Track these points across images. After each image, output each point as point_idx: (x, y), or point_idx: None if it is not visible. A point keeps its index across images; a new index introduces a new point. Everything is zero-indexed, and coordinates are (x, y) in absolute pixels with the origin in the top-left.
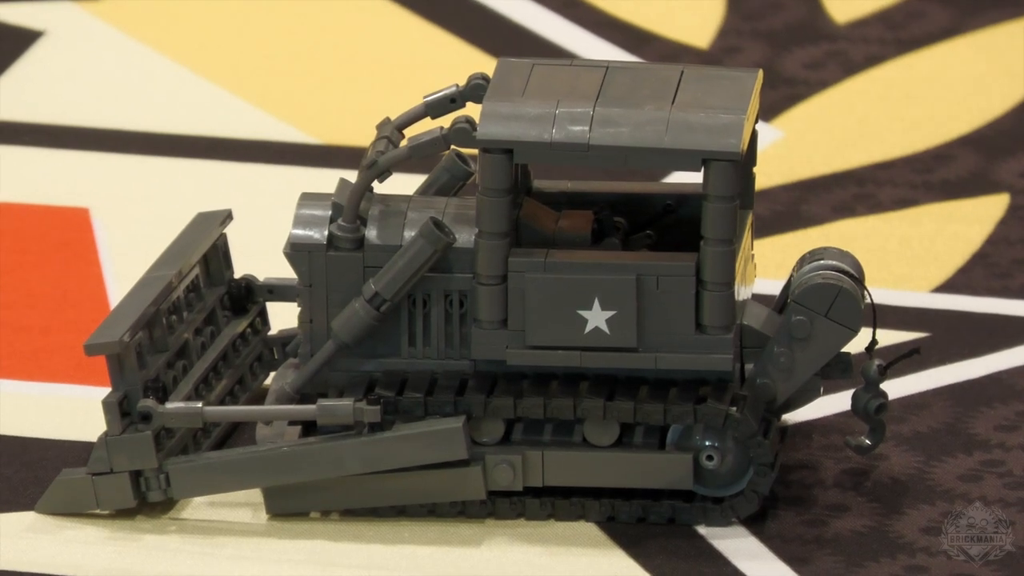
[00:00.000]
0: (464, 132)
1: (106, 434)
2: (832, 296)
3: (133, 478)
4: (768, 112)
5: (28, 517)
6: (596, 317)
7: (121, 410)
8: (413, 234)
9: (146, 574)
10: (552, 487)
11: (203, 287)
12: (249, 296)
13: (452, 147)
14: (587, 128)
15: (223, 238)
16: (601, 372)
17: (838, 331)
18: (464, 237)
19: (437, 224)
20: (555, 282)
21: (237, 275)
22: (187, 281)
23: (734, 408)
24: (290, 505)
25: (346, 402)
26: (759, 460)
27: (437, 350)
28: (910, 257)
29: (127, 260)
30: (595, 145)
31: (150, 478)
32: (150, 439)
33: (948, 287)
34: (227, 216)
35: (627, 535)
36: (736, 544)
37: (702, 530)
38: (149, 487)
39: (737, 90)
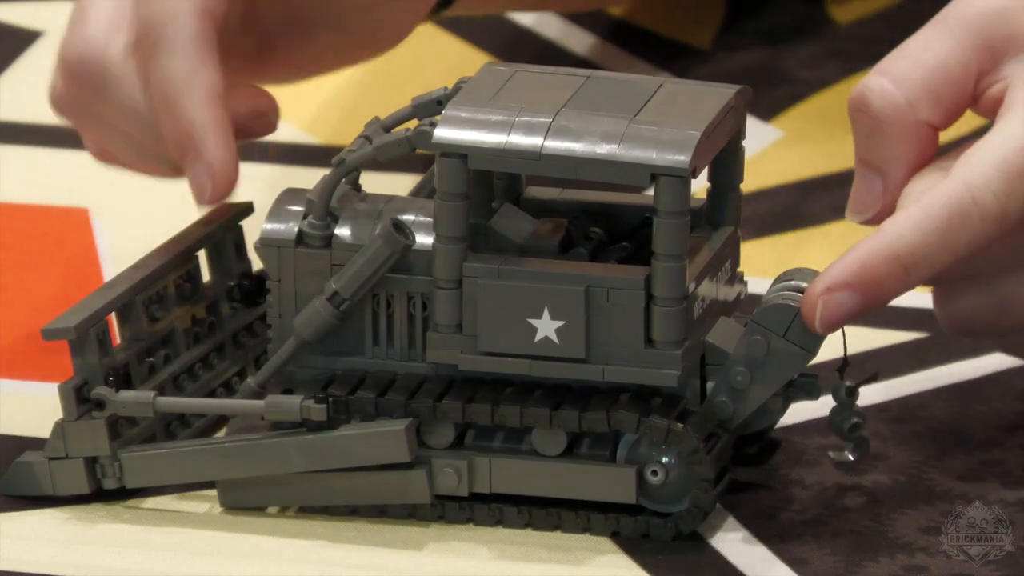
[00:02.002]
0: (426, 134)
1: (62, 420)
2: (790, 317)
3: (88, 464)
4: (768, 112)
5: (28, 517)
6: (546, 326)
7: (79, 396)
8: None
9: (147, 574)
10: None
11: (206, 278)
12: (260, 290)
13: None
14: (542, 137)
15: (239, 230)
16: (556, 382)
17: (795, 353)
18: (429, 240)
19: (397, 226)
20: (507, 289)
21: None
22: (181, 271)
23: (679, 424)
24: (242, 499)
25: (294, 399)
26: (700, 476)
27: (400, 351)
28: None
29: (127, 260)
30: (547, 154)
31: (105, 465)
32: (103, 426)
33: None
34: (246, 208)
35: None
36: (736, 544)
37: (701, 530)
38: (104, 474)
39: (705, 106)
